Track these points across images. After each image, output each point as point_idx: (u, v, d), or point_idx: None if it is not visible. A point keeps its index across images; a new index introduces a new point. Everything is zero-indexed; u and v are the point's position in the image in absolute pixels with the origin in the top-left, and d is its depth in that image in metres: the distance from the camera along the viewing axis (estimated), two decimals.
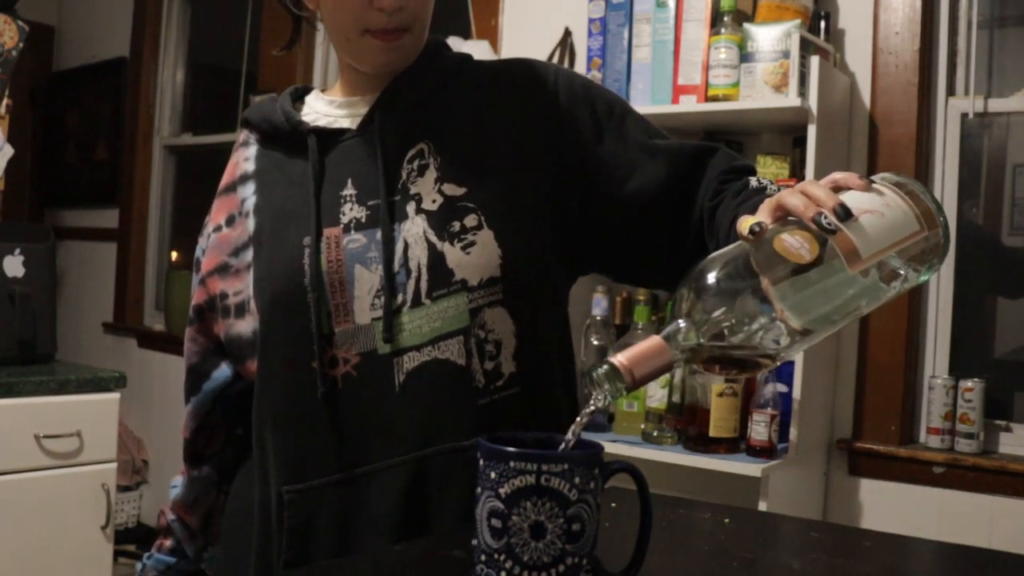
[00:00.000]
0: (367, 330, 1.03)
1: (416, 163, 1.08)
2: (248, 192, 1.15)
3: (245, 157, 1.19)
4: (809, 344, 0.79)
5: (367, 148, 1.09)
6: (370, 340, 1.03)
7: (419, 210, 1.05)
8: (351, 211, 1.06)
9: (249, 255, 1.12)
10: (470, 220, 1.04)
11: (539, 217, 1.09)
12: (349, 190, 1.08)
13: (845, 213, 0.75)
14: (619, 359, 0.76)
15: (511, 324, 1.04)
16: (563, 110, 1.12)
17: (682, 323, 0.77)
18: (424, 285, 1.02)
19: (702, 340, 0.76)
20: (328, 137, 1.12)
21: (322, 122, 1.14)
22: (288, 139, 1.14)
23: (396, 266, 1.03)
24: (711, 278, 0.77)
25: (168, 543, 1.26)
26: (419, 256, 1.03)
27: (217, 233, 1.17)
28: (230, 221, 1.16)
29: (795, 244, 0.76)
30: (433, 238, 1.03)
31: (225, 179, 1.21)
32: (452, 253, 1.03)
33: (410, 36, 1.09)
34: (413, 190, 1.06)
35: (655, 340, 0.77)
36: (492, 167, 1.08)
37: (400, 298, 1.03)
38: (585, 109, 1.13)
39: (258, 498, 1.10)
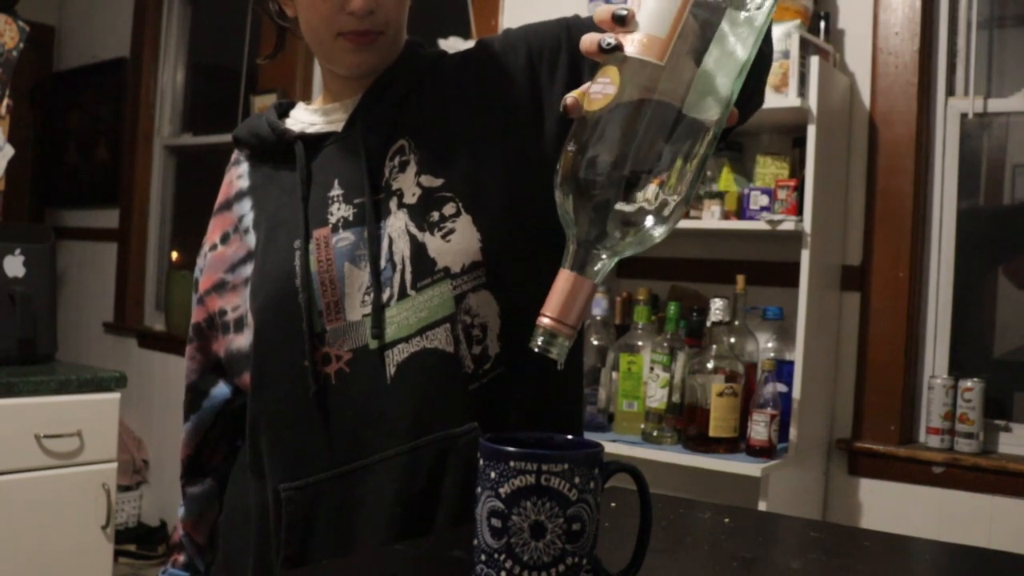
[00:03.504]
0: (358, 326, 1.04)
1: (397, 160, 1.10)
2: (245, 209, 1.18)
3: (238, 175, 1.22)
4: (727, 111, 0.71)
5: (351, 149, 1.11)
6: (361, 336, 1.04)
7: (400, 204, 1.07)
8: (339, 211, 1.08)
9: (247, 270, 1.14)
10: (448, 208, 1.06)
11: (519, 192, 1.09)
12: (336, 191, 1.10)
13: (619, 18, 0.70)
14: (545, 319, 0.72)
15: (495, 306, 1.06)
16: (517, 74, 1.11)
17: (583, 249, 0.71)
18: (408, 277, 1.04)
19: (609, 242, 0.70)
20: (314, 143, 1.14)
21: (309, 131, 1.16)
22: (276, 150, 1.16)
23: (383, 262, 1.05)
24: (585, 163, 0.70)
25: (181, 558, 1.27)
26: (402, 249, 1.05)
27: (213, 252, 1.20)
28: (225, 239, 1.19)
29: (598, 89, 0.69)
30: (414, 230, 1.05)
31: (220, 198, 1.23)
32: (433, 242, 1.04)
33: (384, 39, 1.11)
34: (395, 186, 1.08)
35: (566, 276, 0.72)
36: (466, 154, 1.09)
37: (388, 292, 1.04)
38: (539, 60, 1.11)
39: (254, 498, 1.11)
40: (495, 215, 1.06)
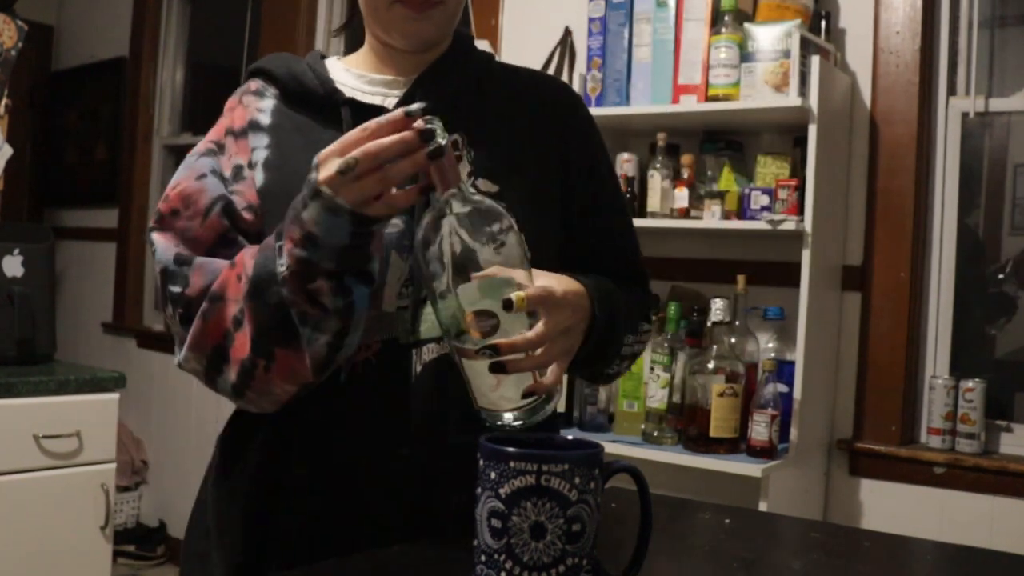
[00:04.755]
0: (391, 318, 1.03)
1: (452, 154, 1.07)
2: (259, 143, 1.10)
3: (259, 108, 1.13)
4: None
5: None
6: (392, 328, 1.03)
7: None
8: None
9: (250, 215, 1.06)
10: (504, 221, 1.04)
11: (553, 228, 1.12)
12: None
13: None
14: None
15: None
16: (579, 152, 1.18)
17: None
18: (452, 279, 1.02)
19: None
20: (363, 112, 1.08)
21: (358, 97, 1.12)
22: (316, 104, 1.10)
23: None
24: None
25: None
26: (450, 249, 1.03)
27: (251, 170, 1.08)
28: (238, 174, 1.09)
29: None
30: (465, 235, 1.03)
31: (236, 122, 1.12)
32: (484, 251, 1.02)
33: (442, 9, 1.09)
34: None
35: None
36: (522, 172, 1.09)
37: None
38: (598, 164, 1.20)
39: (251, 482, 1.06)
40: (543, 242, 1.06)
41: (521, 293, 0.89)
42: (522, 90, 1.16)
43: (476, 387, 0.91)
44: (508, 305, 0.88)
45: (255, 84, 1.16)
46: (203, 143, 1.13)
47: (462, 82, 1.13)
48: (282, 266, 0.93)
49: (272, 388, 0.98)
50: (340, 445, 1.03)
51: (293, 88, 1.13)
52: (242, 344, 0.97)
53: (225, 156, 1.10)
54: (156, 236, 1.05)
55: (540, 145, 1.14)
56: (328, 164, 0.90)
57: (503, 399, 0.91)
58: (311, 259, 0.92)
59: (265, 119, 1.12)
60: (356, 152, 0.89)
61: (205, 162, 1.09)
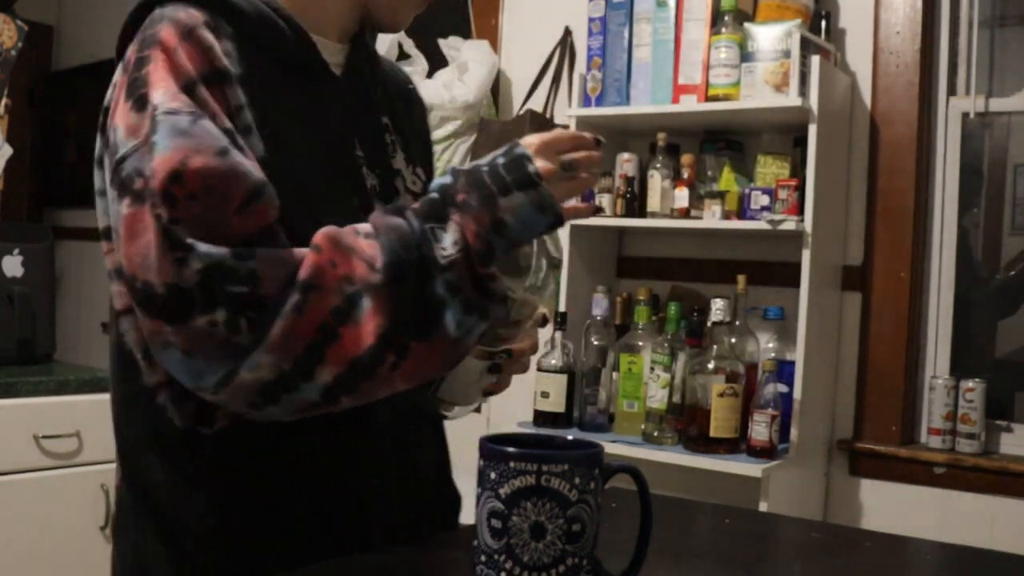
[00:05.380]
0: None
1: (388, 137, 1.06)
2: (238, 100, 0.91)
3: (224, 51, 0.92)
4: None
5: (357, 103, 1.03)
6: None
7: (407, 189, 1.05)
8: (369, 177, 1.01)
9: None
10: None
11: None
12: (358, 151, 1.01)
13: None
14: None
15: None
16: (428, 138, 1.23)
17: None
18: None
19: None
20: (339, 85, 1.02)
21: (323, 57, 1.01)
22: (284, 56, 0.96)
23: None
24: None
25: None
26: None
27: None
28: (244, 131, 0.92)
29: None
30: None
31: (194, 64, 0.89)
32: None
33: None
34: (395, 165, 1.05)
35: None
36: (427, 163, 1.14)
37: None
38: (431, 149, 1.24)
39: (260, 483, 1.01)
40: None
41: (545, 310, 0.97)
42: (395, 75, 1.19)
43: (453, 379, 0.97)
44: (544, 321, 0.96)
45: (200, 15, 0.92)
46: (171, 96, 0.87)
47: (376, 58, 1.12)
48: (445, 249, 0.85)
49: (380, 390, 0.87)
50: (363, 442, 1.02)
51: (258, 28, 0.94)
52: (354, 340, 0.83)
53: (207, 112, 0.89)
54: (178, 228, 0.83)
55: (422, 130, 1.19)
56: (547, 157, 0.89)
57: (466, 395, 0.98)
58: (496, 245, 0.87)
59: (233, 67, 0.92)
60: (578, 155, 0.91)
61: (211, 129, 0.86)
